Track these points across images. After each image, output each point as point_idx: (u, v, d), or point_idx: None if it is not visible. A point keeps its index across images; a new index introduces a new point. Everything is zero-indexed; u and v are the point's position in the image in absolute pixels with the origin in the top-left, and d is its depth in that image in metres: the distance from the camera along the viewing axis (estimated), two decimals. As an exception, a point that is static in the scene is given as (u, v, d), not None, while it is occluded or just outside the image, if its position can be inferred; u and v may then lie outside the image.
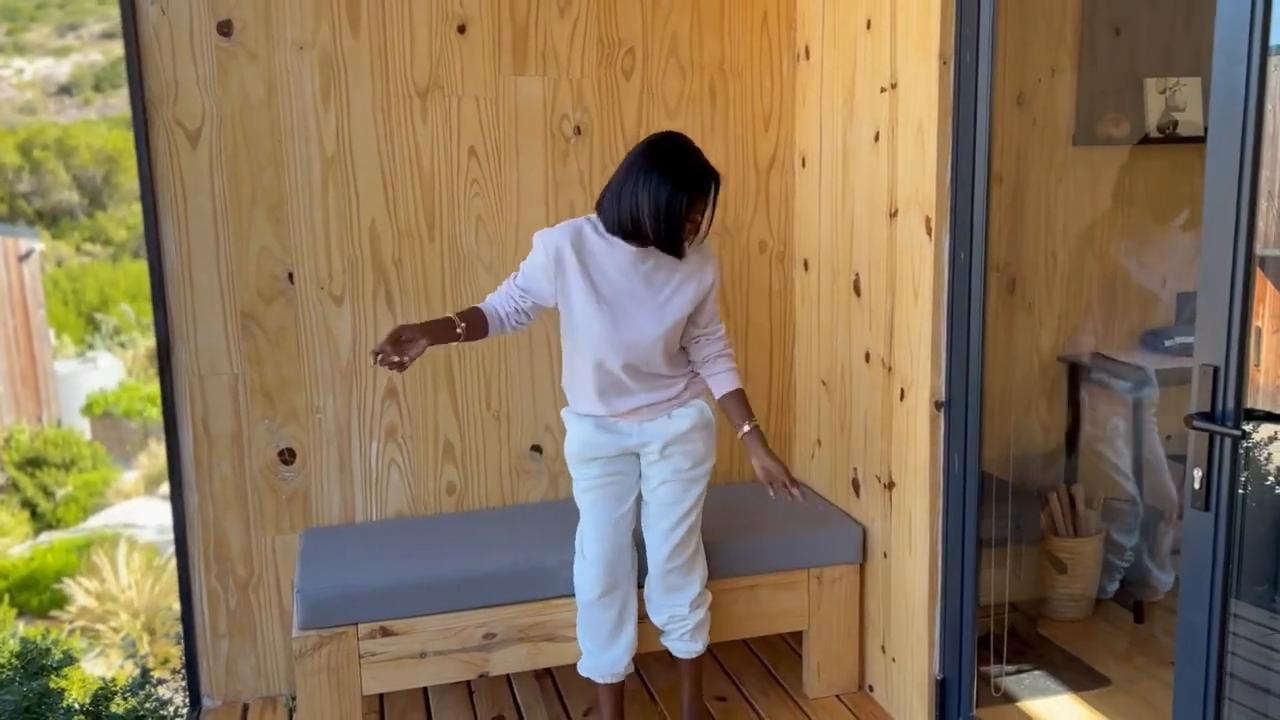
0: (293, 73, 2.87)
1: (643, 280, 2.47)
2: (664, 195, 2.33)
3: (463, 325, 2.43)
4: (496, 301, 2.53)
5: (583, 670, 2.73)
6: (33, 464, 13.73)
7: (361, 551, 2.86)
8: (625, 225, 2.38)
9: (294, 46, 2.87)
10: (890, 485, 2.82)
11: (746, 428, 2.58)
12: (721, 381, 2.62)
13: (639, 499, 2.68)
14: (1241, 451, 1.74)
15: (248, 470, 3.00)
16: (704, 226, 2.45)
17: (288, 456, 3.02)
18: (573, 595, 2.72)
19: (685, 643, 2.72)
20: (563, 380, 2.66)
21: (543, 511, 3.14)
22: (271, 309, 2.95)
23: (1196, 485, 1.72)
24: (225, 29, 2.82)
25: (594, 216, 2.48)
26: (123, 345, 21.39)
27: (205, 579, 3.01)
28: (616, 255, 2.45)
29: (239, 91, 2.85)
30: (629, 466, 2.65)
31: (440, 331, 2.41)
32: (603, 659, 2.69)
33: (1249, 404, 1.99)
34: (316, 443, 3.04)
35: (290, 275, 2.95)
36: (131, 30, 2.76)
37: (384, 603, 2.67)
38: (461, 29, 2.97)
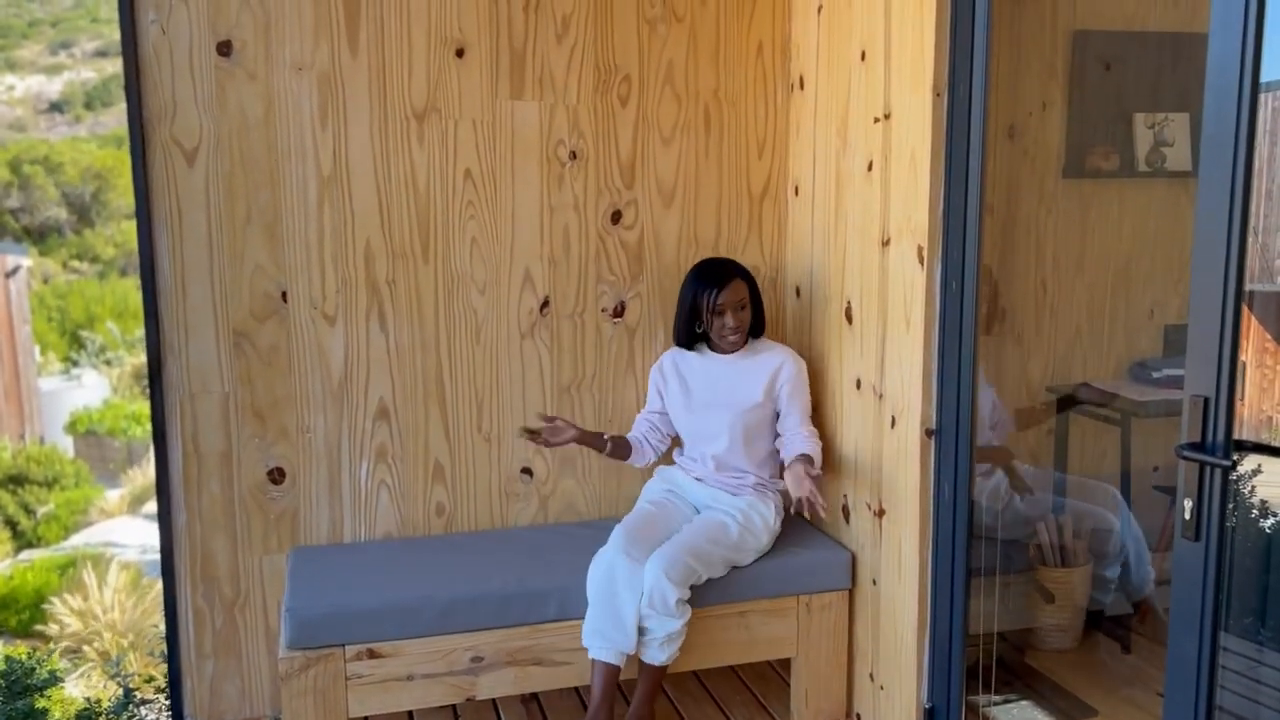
0: (291, 93, 2.89)
1: (717, 380, 2.99)
2: (689, 293, 2.93)
3: (610, 442, 2.98)
4: (640, 430, 3.07)
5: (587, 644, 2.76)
6: (14, 481, 13.62)
7: (350, 572, 2.84)
8: (678, 333, 3.00)
9: (293, 67, 2.88)
10: (880, 512, 2.82)
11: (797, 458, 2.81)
12: (796, 444, 2.86)
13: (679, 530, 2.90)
14: (1231, 482, 1.76)
15: (237, 489, 2.99)
16: (731, 317, 2.89)
17: (277, 476, 3.01)
18: (561, 620, 2.72)
19: (653, 649, 2.72)
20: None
21: (532, 535, 3.13)
22: (264, 327, 2.95)
23: (1187, 515, 1.73)
24: (225, 49, 2.83)
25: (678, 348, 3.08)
26: (108, 363, 21.28)
27: (191, 598, 2.99)
28: (704, 363, 3.01)
29: (237, 111, 2.86)
30: (687, 507, 3.01)
31: (590, 438, 2.94)
32: (608, 631, 2.70)
33: (1234, 436, 2.01)
34: (306, 462, 3.03)
35: (284, 294, 2.95)
36: (131, 49, 2.77)
37: (371, 624, 2.65)
38: (460, 53, 2.99)
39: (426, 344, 3.07)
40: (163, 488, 2.95)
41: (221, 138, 2.86)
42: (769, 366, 2.94)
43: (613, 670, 2.71)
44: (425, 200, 3.02)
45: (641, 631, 2.70)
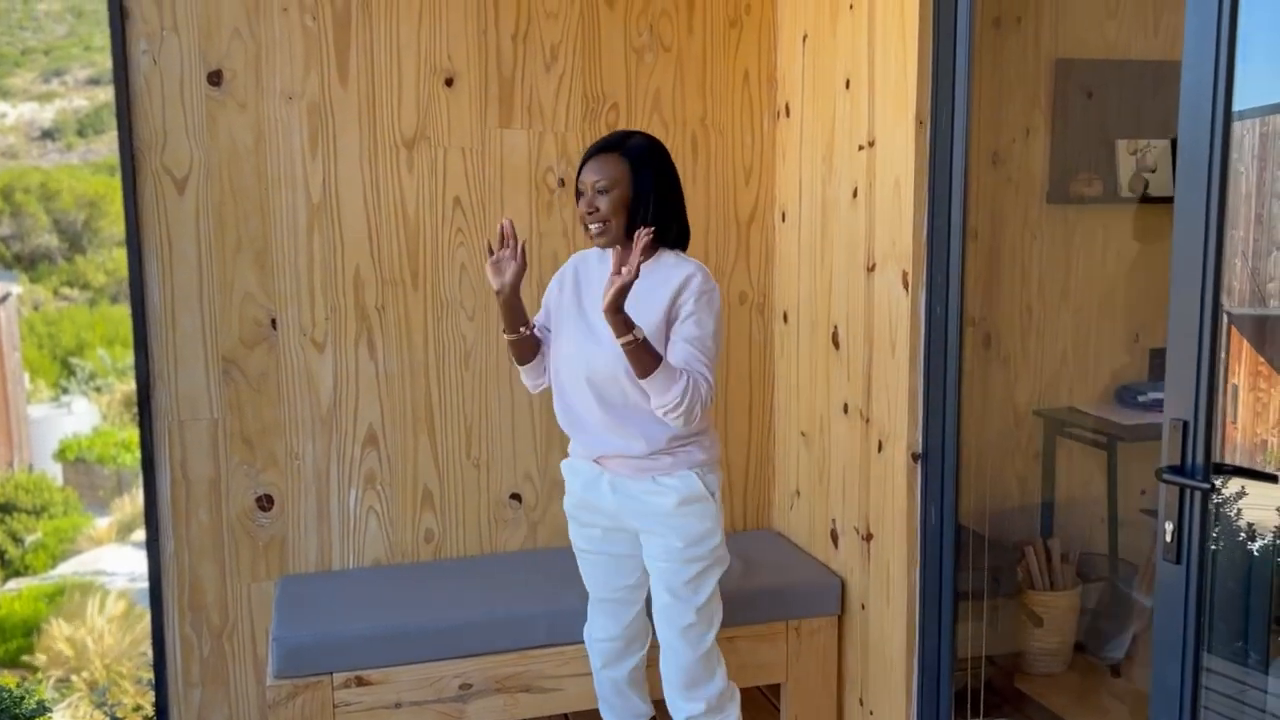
0: (281, 122, 2.91)
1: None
2: None
3: (528, 335, 2.42)
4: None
5: None
6: (2, 510, 13.54)
7: (338, 599, 2.84)
8: None
9: (283, 96, 2.91)
10: (868, 537, 2.83)
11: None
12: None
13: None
14: (1212, 505, 1.77)
15: (225, 516, 2.98)
16: (585, 203, 2.27)
17: (266, 503, 3.01)
18: (552, 645, 2.72)
19: None
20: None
21: (522, 560, 3.13)
22: (253, 354, 2.96)
23: (1168, 538, 1.75)
24: (215, 78, 2.85)
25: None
26: (98, 390, 21.22)
27: (179, 626, 2.98)
28: (601, 273, 2.36)
29: (227, 140, 2.88)
30: (631, 541, 2.47)
31: (516, 303, 2.35)
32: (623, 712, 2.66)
33: (1229, 460, 2.02)
34: (295, 489, 3.03)
35: (273, 321, 2.96)
36: (122, 78, 2.79)
37: (360, 651, 2.64)
38: (449, 82, 3.02)
39: (415, 370, 3.08)
40: (151, 515, 2.95)
41: (212, 166, 2.88)
42: (674, 281, 2.27)
43: None
44: (415, 227, 3.04)
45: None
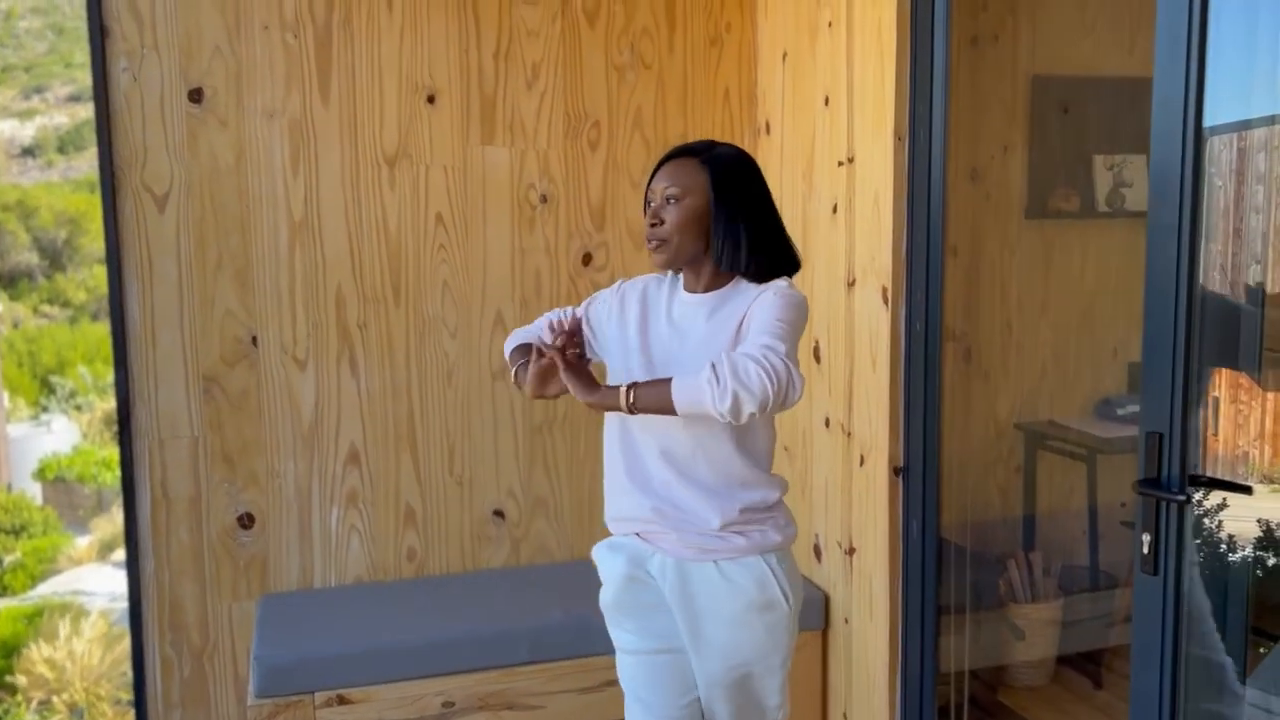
0: (262, 140, 2.91)
1: (685, 330, 1.91)
2: None
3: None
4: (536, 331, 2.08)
5: None
6: (-19, 530, 13.41)
7: (320, 618, 2.82)
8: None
9: (264, 114, 2.91)
10: (851, 551, 2.84)
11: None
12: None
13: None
14: (1189, 517, 1.79)
15: (206, 535, 2.96)
16: (652, 214, 1.88)
17: (247, 521, 2.99)
18: (533, 663, 2.71)
19: None
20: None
21: (505, 578, 3.12)
22: (234, 372, 2.95)
23: (1145, 550, 1.76)
24: (196, 96, 2.85)
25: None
26: (78, 408, 21.06)
27: (159, 647, 2.96)
28: (672, 301, 1.98)
29: (208, 157, 2.88)
30: (676, 631, 1.95)
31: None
32: None
33: (1211, 472, 2.04)
34: (276, 508, 3.02)
35: (254, 339, 2.95)
36: (102, 96, 2.79)
37: (342, 670, 2.63)
38: (431, 99, 3.03)
39: (398, 388, 3.07)
40: (131, 535, 2.93)
41: (192, 184, 2.87)
42: (744, 302, 1.85)
43: None
44: (397, 245, 3.04)
45: None
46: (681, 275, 1.96)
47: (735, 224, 1.85)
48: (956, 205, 2.89)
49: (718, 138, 3.29)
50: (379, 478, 3.08)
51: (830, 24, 2.80)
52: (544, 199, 3.15)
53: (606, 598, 2.01)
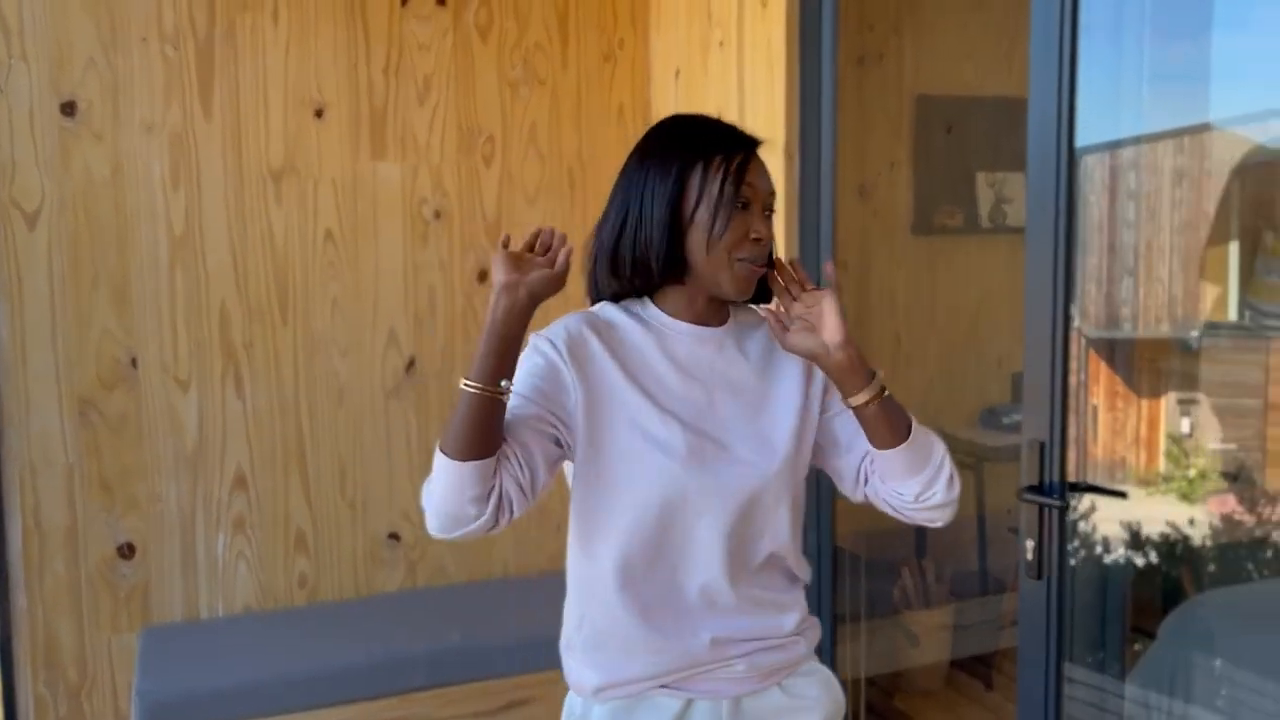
0: (140, 154, 2.81)
1: (727, 378, 1.41)
2: (664, 165, 1.37)
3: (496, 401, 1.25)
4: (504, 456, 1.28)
5: None
6: None
7: (206, 650, 2.72)
8: (617, 264, 1.39)
9: (142, 128, 2.80)
10: (749, 563, 2.86)
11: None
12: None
13: None
14: (1069, 522, 1.85)
15: (83, 566, 2.83)
16: (762, 225, 1.36)
17: (127, 551, 2.87)
18: (431, 687, 2.65)
19: None
20: (566, 627, 1.47)
21: (401, 601, 3.06)
22: (112, 395, 2.82)
23: (1029, 555, 1.81)
24: (69, 109, 2.74)
25: (601, 304, 1.44)
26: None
27: (32, 685, 2.80)
28: (665, 343, 1.38)
29: (82, 172, 2.76)
30: None
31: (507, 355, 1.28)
32: None
33: (1091, 477, 2.12)
34: (158, 535, 2.90)
35: (134, 360, 2.83)
36: (-35, 107, 2.65)
37: (231, 703, 2.53)
38: (319, 113, 2.97)
39: (286, 408, 2.99)
40: (1, 568, 2.77)
41: (65, 199, 2.75)
42: (774, 346, 1.43)
43: None
44: (284, 261, 2.96)
45: None
46: (623, 304, 1.41)
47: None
48: (845, 221, 2.95)
49: (613, 154, 3.30)
50: (267, 501, 2.99)
51: (721, 43, 2.84)
52: (437, 214, 3.11)
53: None
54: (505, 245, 1.33)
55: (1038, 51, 1.79)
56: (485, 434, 1.23)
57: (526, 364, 1.34)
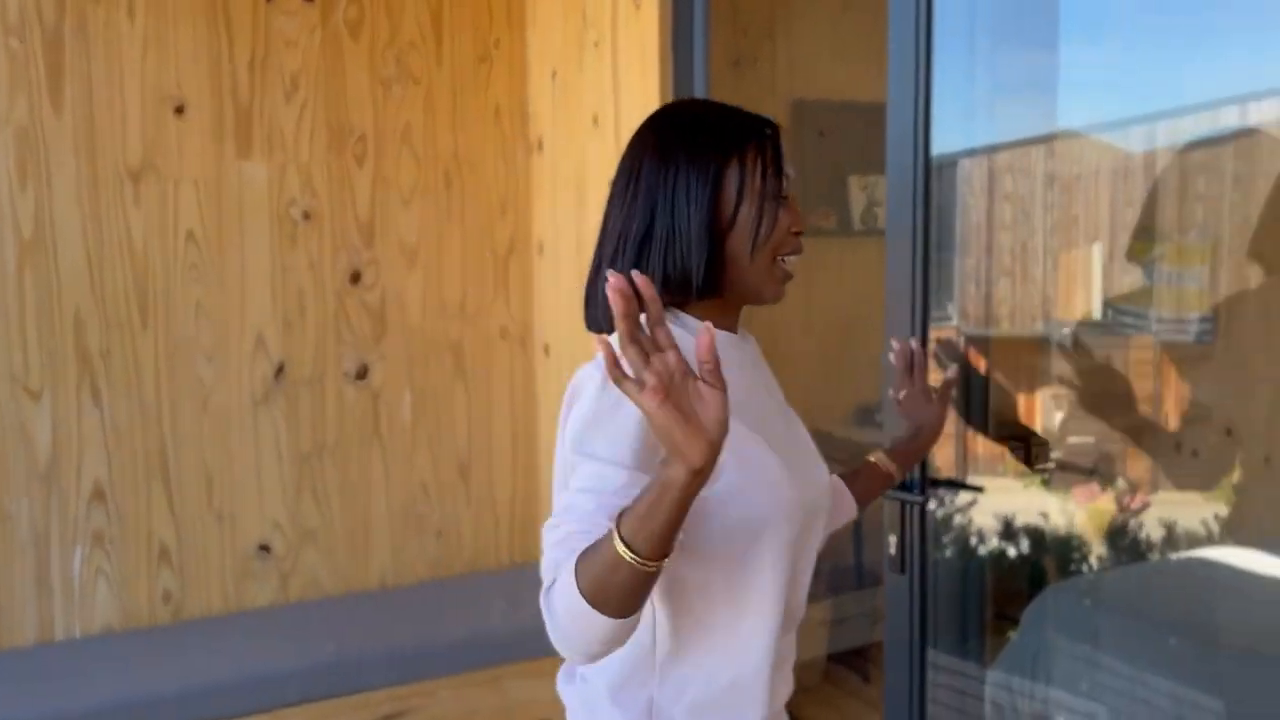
0: (-17, 151, 2.66)
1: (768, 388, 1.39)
2: (698, 159, 1.20)
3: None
4: None
5: None
6: None
7: (63, 673, 2.59)
8: (683, 261, 1.21)
9: (-15, 123, 2.65)
10: (629, 565, 2.86)
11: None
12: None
13: None
14: (931, 517, 1.90)
15: (-78, 589, 2.66)
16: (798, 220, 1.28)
17: (-27, 571, 2.71)
18: (304, 703, 2.58)
19: None
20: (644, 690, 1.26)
21: (272, 616, 2.96)
22: (-46, 407, 2.66)
23: (892, 551, 1.86)
24: (-99, 102, 2.57)
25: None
26: None
27: None
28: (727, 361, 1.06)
29: (-83, 169, 2.60)
30: None
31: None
32: None
33: (971, 472, 2.18)
34: (8, 554, 2.74)
35: (-22, 369, 2.68)
36: None
37: (86, 728, 2.42)
38: (179, 110, 2.85)
39: (147, 417, 2.86)
40: None
41: (-101, 199, 2.58)
42: (756, 350, 1.44)
43: None
44: (143, 264, 2.84)
45: None
46: (690, 318, 1.25)
47: None
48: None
49: (490, 155, 3.27)
50: (128, 515, 2.86)
51: (596, 43, 2.83)
52: (306, 215, 3.02)
53: None
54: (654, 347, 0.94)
55: (895, 59, 1.84)
56: (649, 591, 1.02)
57: (630, 424, 1.08)
